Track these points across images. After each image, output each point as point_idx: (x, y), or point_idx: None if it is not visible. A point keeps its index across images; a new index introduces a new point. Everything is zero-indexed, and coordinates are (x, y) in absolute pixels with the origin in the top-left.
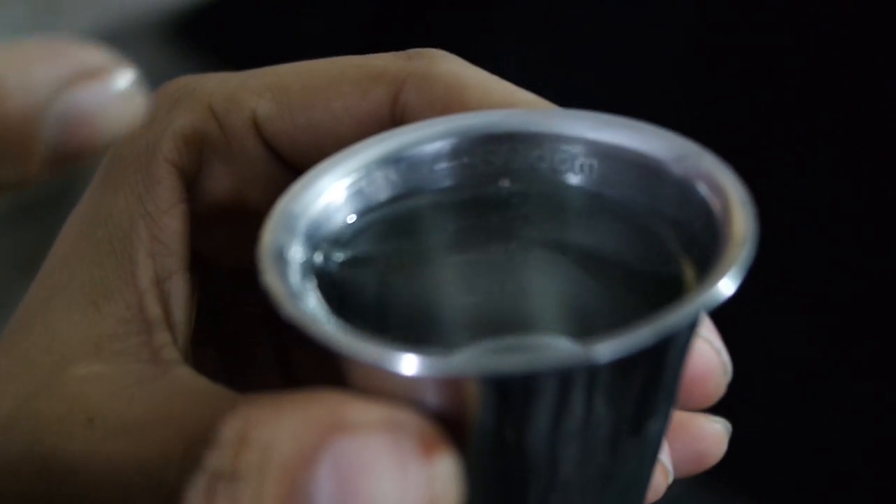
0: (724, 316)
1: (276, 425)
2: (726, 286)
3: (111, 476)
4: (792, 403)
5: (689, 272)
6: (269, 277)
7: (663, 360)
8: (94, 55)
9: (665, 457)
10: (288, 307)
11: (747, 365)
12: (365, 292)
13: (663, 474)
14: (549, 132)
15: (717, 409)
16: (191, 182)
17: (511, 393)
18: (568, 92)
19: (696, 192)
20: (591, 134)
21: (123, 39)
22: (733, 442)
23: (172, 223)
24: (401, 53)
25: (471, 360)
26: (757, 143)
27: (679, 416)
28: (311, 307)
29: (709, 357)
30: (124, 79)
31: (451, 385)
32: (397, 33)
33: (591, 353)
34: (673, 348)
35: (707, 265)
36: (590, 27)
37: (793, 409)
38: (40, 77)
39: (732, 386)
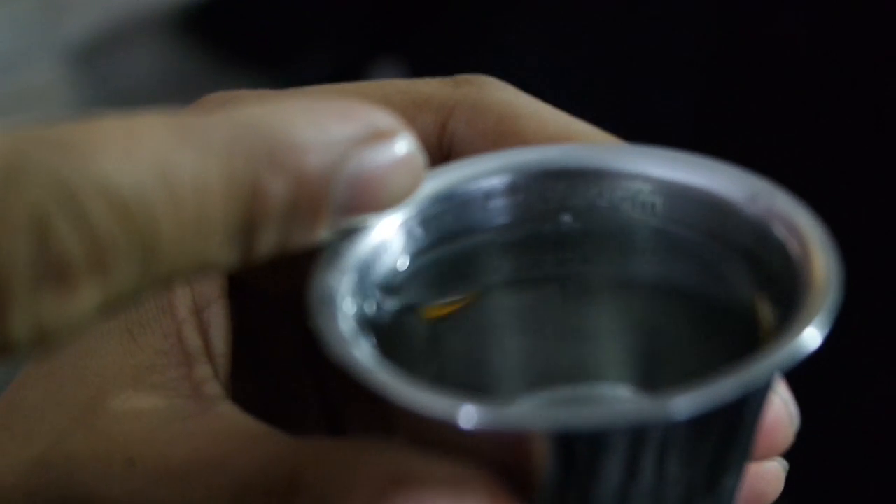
0: None
1: (333, 474)
2: (813, 338)
3: None
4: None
5: (765, 313)
6: (322, 322)
7: (743, 415)
8: (383, 117)
9: None
10: (341, 353)
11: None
12: (418, 338)
13: None
14: (611, 169)
15: None
16: None
17: (579, 449)
18: (581, 83)
19: (772, 232)
20: (655, 171)
21: (129, 34)
22: None
23: None
24: (448, 79)
25: (538, 413)
26: (770, 139)
27: None
28: (363, 353)
29: (777, 408)
30: (408, 142)
31: (517, 440)
32: (403, 29)
33: (667, 407)
34: (753, 402)
35: (788, 310)
36: (604, 22)
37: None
38: (337, 135)
39: None
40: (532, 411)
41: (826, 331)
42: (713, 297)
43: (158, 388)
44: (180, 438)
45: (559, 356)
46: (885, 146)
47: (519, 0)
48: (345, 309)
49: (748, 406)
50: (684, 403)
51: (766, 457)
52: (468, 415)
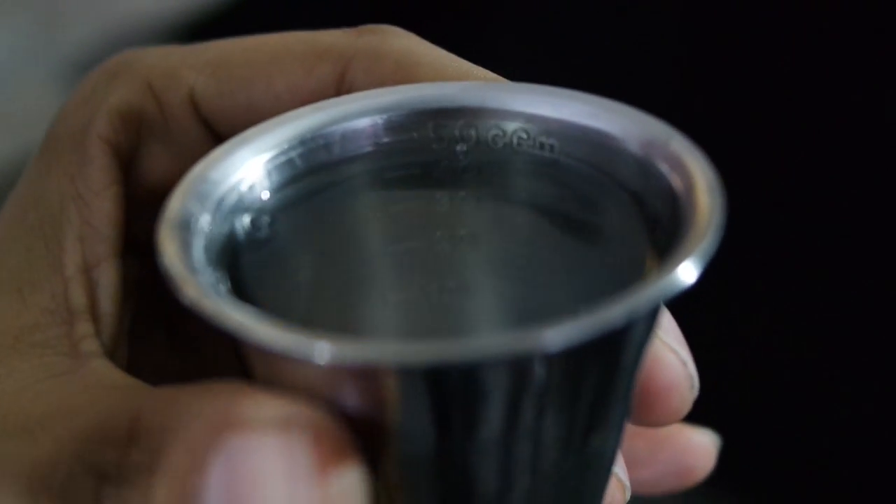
0: (718, 313)
1: (169, 420)
2: (688, 273)
3: (8, 481)
4: (781, 402)
5: (651, 256)
6: (167, 248)
7: (619, 355)
8: None
9: (621, 471)
10: (183, 285)
11: (738, 364)
12: (288, 270)
13: (620, 490)
14: (508, 108)
15: (705, 409)
16: (127, 163)
17: (439, 387)
18: (569, 79)
19: (659, 173)
20: (551, 112)
21: (124, 47)
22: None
23: (105, 206)
24: (351, 30)
25: (389, 347)
26: (753, 139)
27: (666, 429)
28: (212, 285)
29: (674, 368)
30: None
31: (368, 377)
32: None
33: (538, 338)
34: (629, 342)
35: (668, 251)
36: (582, 22)
37: (782, 408)
38: None
39: (722, 385)
40: (383, 345)
41: (701, 266)
42: (604, 237)
43: (37, 346)
44: (45, 394)
45: (437, 299)
46: (871, 140)
47: (509, 6)
48: (201, 232)
49: (624, 345)
50: (555, 334)
51: (664, 422)
52: (302, 346)
